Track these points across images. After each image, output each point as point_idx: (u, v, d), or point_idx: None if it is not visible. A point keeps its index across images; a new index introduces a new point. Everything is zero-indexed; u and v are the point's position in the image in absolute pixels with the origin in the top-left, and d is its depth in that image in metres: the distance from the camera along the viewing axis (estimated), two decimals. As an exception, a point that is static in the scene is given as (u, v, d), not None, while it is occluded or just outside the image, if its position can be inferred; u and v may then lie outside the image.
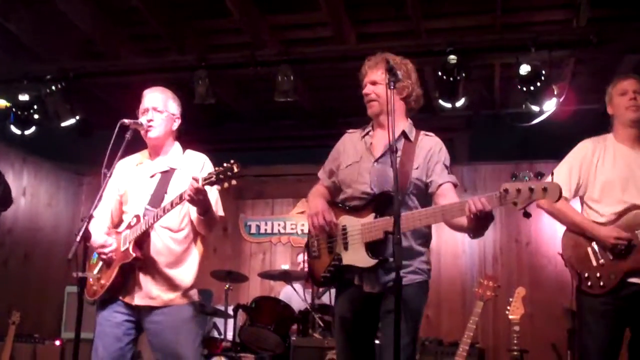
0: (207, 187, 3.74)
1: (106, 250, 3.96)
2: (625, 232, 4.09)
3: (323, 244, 3.79)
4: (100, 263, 4.05)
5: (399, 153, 3.66)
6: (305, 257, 4.05)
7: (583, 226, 4.27)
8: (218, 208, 4.16)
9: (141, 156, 4.27)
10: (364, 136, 3.91)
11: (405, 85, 3.86)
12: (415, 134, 3.83)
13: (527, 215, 3.37)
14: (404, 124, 3.83)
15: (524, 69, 6.16)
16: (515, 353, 5.80)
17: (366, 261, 3.57)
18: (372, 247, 3.57)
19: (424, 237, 3.79)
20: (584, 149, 4.38)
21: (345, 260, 3.67)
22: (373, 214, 3.60)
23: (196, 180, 3.65)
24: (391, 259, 3.37)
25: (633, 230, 4.09)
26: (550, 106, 6.38)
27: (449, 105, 6.53)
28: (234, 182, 3.59)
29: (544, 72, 6.16)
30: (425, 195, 3.74)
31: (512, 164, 8.68)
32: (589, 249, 4.22)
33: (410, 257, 3.66)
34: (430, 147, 3.78)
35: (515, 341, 5.75)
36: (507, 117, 7.50)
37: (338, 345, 3.90)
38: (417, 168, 3.71)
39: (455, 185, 3.75)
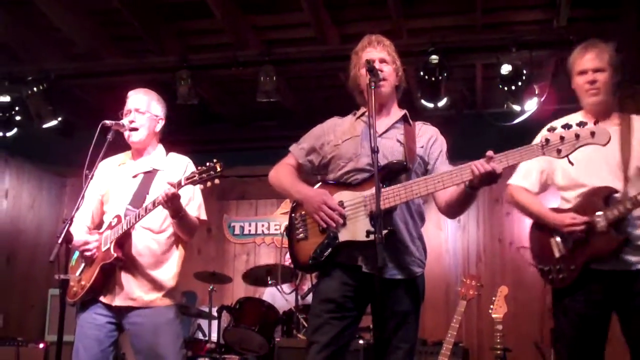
0: (189, 189, 3.75)
1: (90, 246, 3.95)
2: (582, 216, 3.82)
3: (312, 223, 3.54)
4: (82, 265, 4.04)
5: (402, 131, 3.65)
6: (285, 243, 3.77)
7: (540, 215, 4.09)
8: (201, 212, 4.16)
9: (124, 157, 4.27)
10: (359, 117, 3.78)
11: (400, 76, 3.81)
12: (412, 122, 3.77)
13: (571, 163, 3.13)
14: (402, 110, 3.79)
15: (505, 69, 6.20)
16: (499, 352, 5.82)
17: (370, 234, 3.21)
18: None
19: (423, 220, 3.69)
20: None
21: (342, 236, 3.43)
22: (380, 184, 3.26)
23: (172, 185, 3.65)
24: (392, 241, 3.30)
25: (592, 214, 3.80)
26: (531, 106, 6.42)
27: (431, 105, 6.55)
28: (216, 181, 3.60)
29: (525, 71, 6.20)
30: (424, 173, 3.61)
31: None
32: (552, 241, 4.00)
33: (414, 243, 3.57)
34: (432, 134, 3.73)
35: (498, 340, 5.78)
36: (489, 117, 7.52)
37: (314, 326, 3.55)
38: (421, 147, 3.64)
39: None
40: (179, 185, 3.68)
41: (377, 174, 3.17)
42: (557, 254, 3.94)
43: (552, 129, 3.12)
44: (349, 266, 3.47)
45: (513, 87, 6.24)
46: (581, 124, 3.06)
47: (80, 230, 4.08)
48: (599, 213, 3.80)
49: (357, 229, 3.38)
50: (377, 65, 3.56)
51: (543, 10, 6.61)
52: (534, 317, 7.76)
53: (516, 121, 6.63)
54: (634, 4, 6.06)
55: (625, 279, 3.77)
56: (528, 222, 8.52)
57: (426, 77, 6.35)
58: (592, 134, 3.03)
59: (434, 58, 6.27)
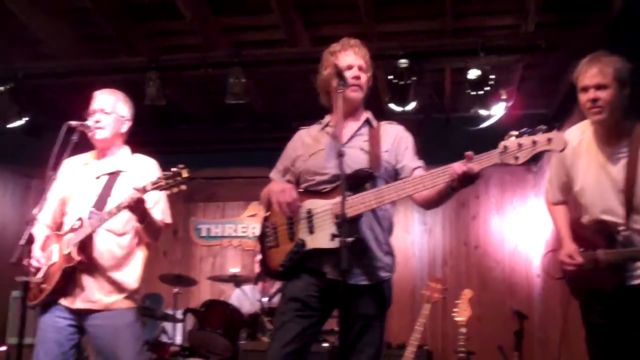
0: (154, 193, 3.73)
1: (32, 265, 3.88)
2: (577, 258, 3.81)
3: (282, 231, 3.65)
4: (45, 267, 3.99)
5: (366, 137, 3.69)
6: (259, 249, 3.86)
7: (559, 235, 4.07)
8: (166, 215, 4.14)
9: (89, 156, 4.23)
10: (323, 128, 3.84)
11: (370, 79, 3.86)
12: (376, 123, 3.81)
13: (529, 169, 3.25)
14: (366, 113, 3.83)
15: (473, 73, 6.24)
16: (462, 355, 5.85)
17: (336, 241, 3.22)
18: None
19: (392, 226, 3.75)
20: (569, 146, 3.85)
21: (309, 244, 3.52)
22: (347, 193, 3.32)
23: (138, 190, 3.63)
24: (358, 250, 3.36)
25: (594, 249, 3.79)
26: (498, 110, 6.47)
27: (399, 109, 6.56)
28: (182, 187, 3.58)
29: (492, 76, 6.24)
30: (393, 176, 3.67)
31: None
32: None
33: (385, 247, 3.64)
34: (396, 133, 3.76)
35: (462, 343, 5.81)
36: (457, 121, 7.57)
37: (279, 323, 3.60)
38: (386, 151, 3.67)
39: (426, 170, 3.59)
40: (144, 190, 3.66)
41: (343, 179, 3.22)
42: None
43: (510, 136, 3.11)
44: (316, 271, 3.53)
45: (480, 92, 6.28)
46: (539, 130, 3.05)
47: (40, 232, 4.04)
48: (599, 251, 3.78)
49: (324, 236, 3.42)
50: (355, 71, 3.67)
51: (512, 16, 6.65)
52: (498, 320, 7.83)
53: (483, 125, 6.67)
54: (601, 10, 6.12)
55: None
56: (493, 226, 8.68)
57: (395, 80, 6.36)
58: (549, 140, 3.02)
59: (404, 62, 6.29)
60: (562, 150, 3.08)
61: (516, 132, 3.11)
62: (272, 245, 3.69)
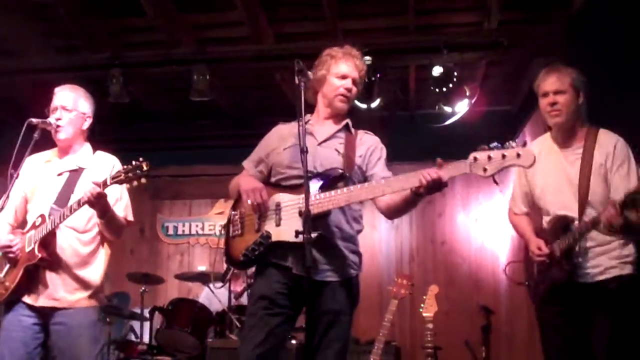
0: (116, 189, 3.70)
1: (13, 249, 3.87)
2: (545, 248, 4.02)
3: (249, 221, 3.67)
4: (7, 266, 3.95)
5: (342, 140, 3.76)
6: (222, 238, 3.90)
7: (524, 238, 4.29)
8: (128, 213, 4.10)
9: (51, 154, 4.19)
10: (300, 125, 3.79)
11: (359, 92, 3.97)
12: (354, 130, 3.88)
13: (497, 182, 3.37)
14: (346, 120, 3.88)
15: (437, 71, 6.28)
16: (429, 350, 5.89)
17: (299, 237, 3.28)
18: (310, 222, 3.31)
19: (360, 226, 3.86)
20: None
21: (275, 236, 3.54)
22: (317, 190, 3.47)
23: (97, 184, 3.60)
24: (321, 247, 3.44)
25: (554, 242, 4.03)
26: (462, 107, 6.51)
27: (364, 106, 6.59)
28: (143, 180, 3.54)
29: (455, 73, 6.29)
30: (362, 181, 3.70)
31: (430, 163, 8.81)
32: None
33: (347, 244, 3.69)
34: (371, 143, 3.83)
35: (429, 338, 5.84)
36: (422, 118, 7.61)
37: (249, 325, 3.65)
38: (360, 156, 3.74)
39: None
40: (104, 184, 3.62)
41: (306, 174, 3.27)
42: (536, 273, 4.19)
43: (482, 149, 3.19)
44: (281, 266, 3.55)
45: (444, 89, 6.33)
46: (509, 146, 3.15)
47: (3, 230, 4.00)
48: (555, 242, 4.02)
49: (289, 230, 3.44)
50: (348, 83, 3.79)
51: (474, 13, 6.70)
52: (464, 315, 7.88)
53: (447, 122, 6.71)
54: (563, 7, 6.19)
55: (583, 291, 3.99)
56: (459, 223, 8.73)
57: (360, 77, 6.38)
58: (518, 155, 3.10)
59: (368, 59, 6.30)
60: (530, 166, 3.17)
61: (487, 146, 3.20)
62: (237, 234, 3.70)
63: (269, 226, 3.57)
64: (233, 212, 3.78)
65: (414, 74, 7.60)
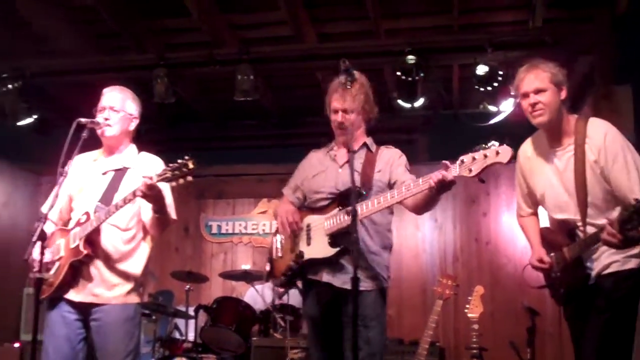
0: (162, 187, 3.73)
1: (39, 261, 3.86)
2: (546, 259, 3.98)
3: (287, 244, 4.11)
4: (57, 263, 4.00)
5: (362, 160, 4.06)
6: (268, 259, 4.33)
7: (530, 245, 4.21)
8: (171, 211, 4.12)
9: (98, 153, 4.24)
10: (328, 152, 4.24)
11: (370, 110, 4.14)
12: (375, 148, 4.17)
13: (482, 180, 3.47)
14: (365, 139, 4.18)
15: (481, 69, 6.23)
16: (475, 351, 5.84)
17: (326, 251, 3.84)
18: (334, 239, 3.84)
19: (387, 240, 4.08)
20: (520, 157, 4.14)
21: (307, 254, 3.94)
22: (337, 208, 3.88)
23: (149, 178, 3.62)
24: (350, 258, 3.58)
25: (560, 249, 3.94)
26: (507, 106, 6.45)
27: (407, 105, 6.57)
28: (189, 178, 3.56)
29: (500, 72, 6.22)
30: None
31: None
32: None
33: (372, 258, 3.92)
34: (390, 156, 4.12)
35: (474, 339, 5.79)
36: (465, 117, 7.56)
37: (309, 343, 4.18)
38: (379, 171, 4.03)
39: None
40: (151, 180, 3.65)
41: (353, 182, 3.53)
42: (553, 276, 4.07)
43: (469, 151, 3.41)
44: (315, 281, 3.98)
45: (489, 88, 6.27)
46: (491, 145, 3.34)
47: (48, 229, 4.06)
48: (565, 249, 3.91)
49: (319, 247, 3.91)
50: (338, 118, 4.04)
51: (519, 11, 6.65)
52: (510, 316, 7.80)
53: (492, 122, 6.65)
54: (608, 5, 6.11)
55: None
56: (504, 222, 8.63)
57: (403, 77, 6.37)
58: (497, 153, 3.32)
59: (411, 58, 6.29)
60: (508, 162, 3.33)
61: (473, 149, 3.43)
62: (279, 256, 4.17)
63: (302, 246, 4.01)
64: (274, 238, 4.25)
65: (458, 73, 7.54)
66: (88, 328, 3.97)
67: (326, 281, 3.89)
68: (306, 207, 4.15)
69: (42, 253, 3.74)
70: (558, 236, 4.00)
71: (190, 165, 3.54)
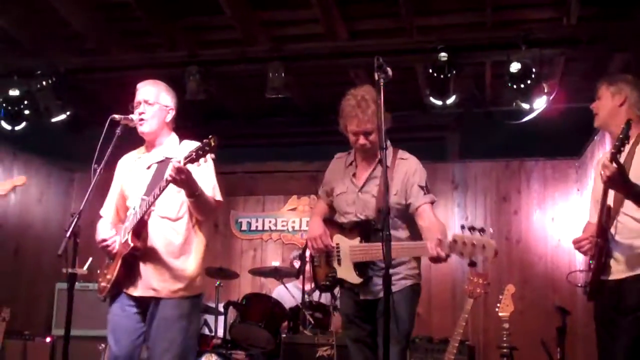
0: (201, 171, 3.80)
1: (108, 242, 3.96)
2: (584, 235, 4.08)
3: (322, 256, 4.29)
4: (111, 260, 4.05)
5: (377, 182, 4.13)
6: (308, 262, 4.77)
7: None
8: (216, 193, 4.10)
9: (141, 150, 4.28)
10: (348, 166, 4.34)
11: (385, 121, 4.00)
12: (392, 159, 4.19)
13: (472, 264, 3.61)
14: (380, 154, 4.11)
15: (515, 67, 6.17)
16: (505, 350, 5.80)
17: (355, 279, 4.06)
18: (359, 267, 4.04)
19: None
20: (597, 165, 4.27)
21: (339, 273, 4.16)
22: (358, 239, 4.06)
23: (177, 162, 3.63)
24: (376, 279, 3.97)
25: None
26: (540, 104, 6.39)
27: (439, 103, 6.54)
28: (211, 156, 3.61)
29: (534, 70, 6.16)
30: (406, 213, 4.14)
31: (503, 161, 8.72)
32: None
33: (397, 265, 4.00)
34: (405, 171, 4.16)
35: (505, 338, 5.75)
36: (498, 115, 7.51)
37: (346, 337, 4.37)
38: (395, 194, 4.09)
39: (432, 203, 4.10)
40: (179, 164, 3.65)
41: (385, 197, 3.58)
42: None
43: (462, 231, 3.52)
44: (351, 289, 4.20)
45: (522, 85, 6.21)
46: (482, 235, 3.43)
47: (103, 226, 4.11)
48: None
49: (348, 272, 4.11)
50: (361, 140, 4.10)
51: (553, 8, 6.58)
52: (540, 315, 7.76)
53: (525, 119, 6.60)
54: (643, 3, 6.03)
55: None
56: (535, 221, 8.58)
57: (435, 74, 6.34)
58: (483, 247, 3.40)
59: (443, 55, 6.26)
60: (492, 259, 3.50)
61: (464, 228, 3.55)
62: (317, 265, 4.35)
63: (335, 263, 4.21)
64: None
65: (490, 71, 7.49)
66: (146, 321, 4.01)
67: (363, 298, 4.12)
68: (336, 222, 4.33)
69: (74, 249, 3.78)
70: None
71: (212, 143, 3.60)
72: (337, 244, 4.18)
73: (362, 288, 4.09)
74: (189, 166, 3.67)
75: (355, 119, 4.06)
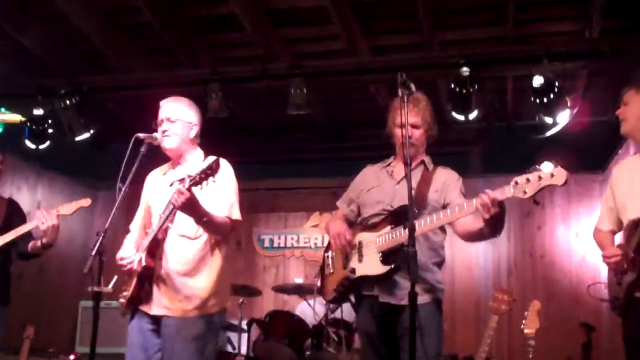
0: (216, 189, 3.80)
1: (124, 262, 3.96)
2: (619, 250, 3.91)
3: (339, 261, 4.17)
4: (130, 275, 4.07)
5: (418, 178, 4.08)
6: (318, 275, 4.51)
7: (602, 249, 4.16)
8: (233, 211, 4.05)
9: (166, 167, 4.29)
10: (385, 167, 4.29)
11: (432, 127, 4.20)
12: (432, 167, 4.21)
13: (537, 202, 3.45)
14: (424, 157, 4.24)
15: (537, 81, 6.14)
16: (531, 367, 5.74)
17: (379, 268, 3.87)
18: (386, 256, 3.87)
19: (439, 257, 4.11)
20: (614, 172, 4.25)
21: (359, 271, 3.98)
22: (390, 226, 3.89)
23: (180, 191, 3.61)
24: (403, 273, 3.74)
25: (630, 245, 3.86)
26: (563, 118, 6.34)
27: (462, 118, 6.52)
28: (212, 180, 3.61)
29: (557, 83, 6.13)
30: None
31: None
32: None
33: (424, 274, 3.89)
34: (447, 177, 4.15)
35: (530, 355, 5.69)
36: (521, 129, 7.47)
37: (364, 356, 4.16)
38: (435, 191, 4.07)
39: None
40: (188, 190, 3.63)
41: (409, 189, 3.47)
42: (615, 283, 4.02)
43: (523, 173, 3.37)
44: (370, 296, 4.00)
45: (545, 99, 6.18)
46: (546, 166, 3.30)
47: (127, 243, 4.14)
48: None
49: (371, 265, 3.94)
50: (409, 131, 3.82)
51: (575, 22, 6.56)
52: (565, 332, 7.66)
53: (548, 134, 6.56)
54: (666, 15, 5.99)
55: None
56: (559, 236, 8.49)
57: (457, 89, 6.33)
58: (552, 175, 3.27)
59: (465, 70, 6.24)
60: (564, 184, 3.26)
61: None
62: (330, 272, 4.25)
63: (354, 262, 4.04)
64: (326, 254, 4.33)
65: (512, 84, 7.47)
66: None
67: (383, 301, 3.93)
68: (358, 223, 4.25)
69: (100, 267, 3.79)
70: (625, 239, 3.95)
71: (214, 166, 3.60)
72: (360, 242, 4.05)
73: (383, 285, 3.91)
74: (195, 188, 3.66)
75: (407, 109, 3.87)
